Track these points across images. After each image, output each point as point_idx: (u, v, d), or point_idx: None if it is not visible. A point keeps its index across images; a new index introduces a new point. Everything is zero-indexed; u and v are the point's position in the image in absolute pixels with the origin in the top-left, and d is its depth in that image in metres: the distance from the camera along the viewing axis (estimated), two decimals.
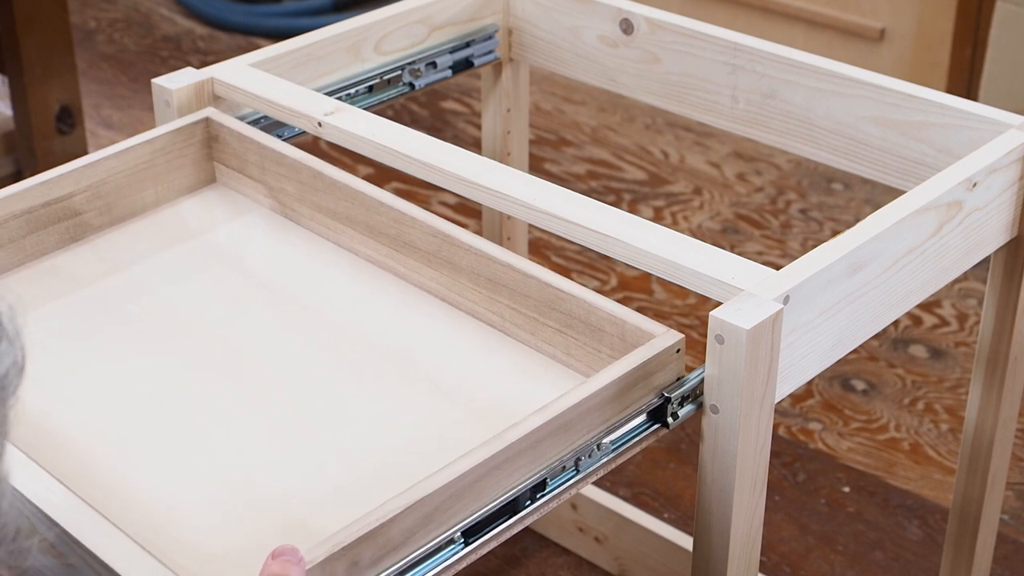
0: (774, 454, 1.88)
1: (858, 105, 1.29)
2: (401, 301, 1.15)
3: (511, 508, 0.92)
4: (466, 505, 0.89)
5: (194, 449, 1.00)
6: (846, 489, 1.90)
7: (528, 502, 0.93)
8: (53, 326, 1.12)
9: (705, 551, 1.03)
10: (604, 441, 0.97)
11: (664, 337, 1.00)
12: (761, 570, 1.38)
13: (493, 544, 0.91)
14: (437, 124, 2.79)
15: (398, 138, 1.19)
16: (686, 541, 1.66)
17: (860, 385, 2.09)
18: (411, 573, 0.87)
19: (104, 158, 1.21)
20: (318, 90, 1.35)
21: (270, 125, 1.30)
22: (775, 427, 1.98)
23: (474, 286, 1.11)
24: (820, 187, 2.57)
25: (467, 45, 1.48)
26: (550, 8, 1.48)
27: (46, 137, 2.28)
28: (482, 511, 0.90)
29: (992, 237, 1.21)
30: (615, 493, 1.84)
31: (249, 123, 1.28)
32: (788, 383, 1.03)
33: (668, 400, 0.99)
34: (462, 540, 0.89)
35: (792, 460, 1.95)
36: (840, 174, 2.58)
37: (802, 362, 1.04)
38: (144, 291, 1.17)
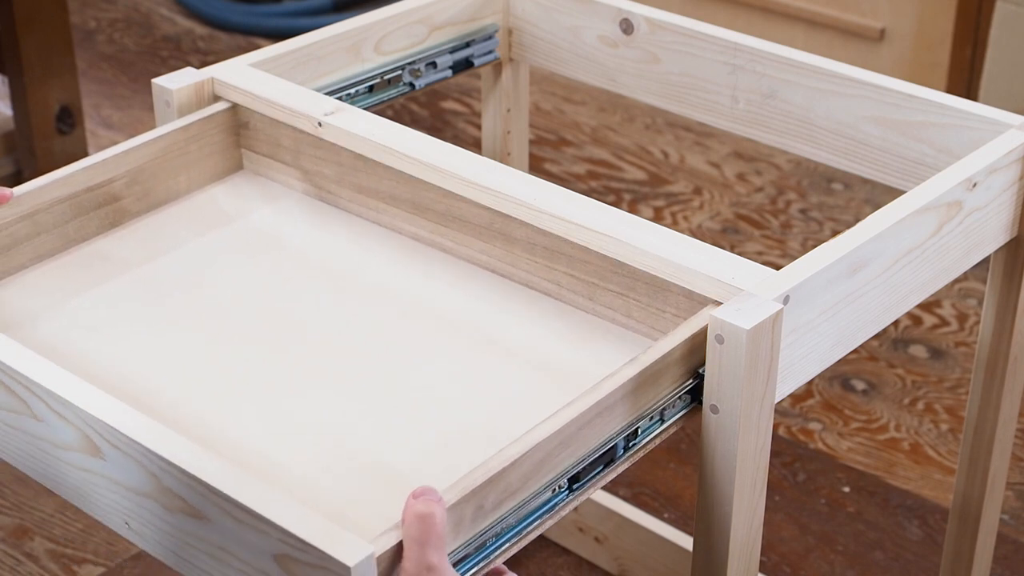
0: (774, 454, 1.89)
1: (858, 105, 1.29)
2: (453, 274, 1.18)
3: (608, 456, 0.96)
4: (572, 452, 0.93)
5: (283, 414, 1.03)
6: (846, 489, 1.90)
7: (622, 451, 0.97)
8: (109, 307, 1.14)
9: (705, 551, 1.03)
10: (683, 392, 1.00)
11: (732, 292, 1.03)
12: (761, 570, 1.38)
13: (592, 491, 0.96)
14: (437, 124, 2.79)
15: (398, 138, 1.19)
16: (686, 541, 1.66)
17: (860, 385, 2.09)
18: (527, 519, 0.92)
19: (142, 144, 1.23)
20: (318, 90, 1.35)
21: None
22: (775, 427, 1.98)
23: (529, 256, 1.14)
24: (820, 187, 2.57)
25: (467, 45, 1.48)
26: (550, 8, 1.48)
27: (46, 137, 2.28)
28: (585, 459, 0.95)
29: (992, 237, 1.21)
30: (615, 493, 1.84)
31: None
32: (788, 383, 1.03)
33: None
34: (567, 487, 0.94)
35: (792, 460, 1.95)
36: (840, 174, 2.58)
37: (802, 362, 1.04)
38: (193, 272, 1.19)
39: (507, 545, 0.90)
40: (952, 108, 1.24)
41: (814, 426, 2.01)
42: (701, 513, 1.03)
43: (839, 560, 1.79)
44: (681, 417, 1.01)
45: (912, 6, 2.58)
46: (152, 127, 1.26)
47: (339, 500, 0.94)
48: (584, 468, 0.95)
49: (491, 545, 0.89)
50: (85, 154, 2.36)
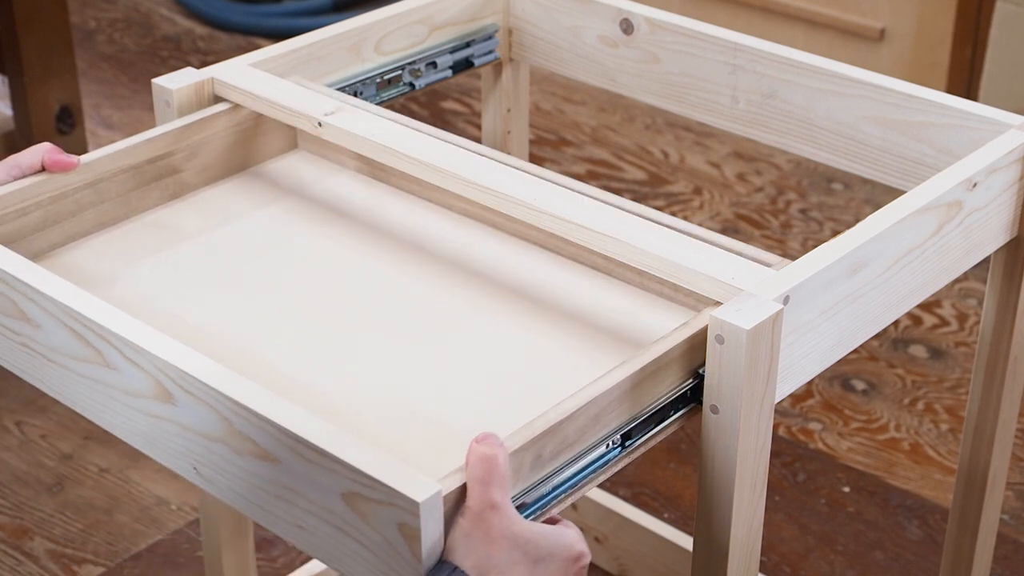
0: (774, 454, 1.89)
1: (858, 105, 1.29)
2: (504, 248, 1.21)
3: (659, 416, 0.99)
4: (626, 410, 0.96)
5: (345, 371, 1.05)
6: (846, 489, 1.90)
7: (672, 412, 1.00)
8: (171, 273, 1.17)
9: (705, 551, 1.03)
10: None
11: (779, 267, 1.05)
12: (761, 570, 1.38)
13: (643, 449, 0.99)
14: (437, 124, 2.79)
15: (398, 138, 1.19)
16: (686, 541, 1.66)
17: (860, 385, 2.09)
18: (582, 471, 0.94)
19: (203, 119, 1.26)
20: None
21: None
22: (775, 427, 1.98)
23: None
24: (820, 187, 2.57)
25: (467, 45, 1.48)
26: (550, 8, 1.48)
27: (46, 137, 2.28)
28: (638, 416, 0.97)
29: (992, 237, 1.21)
30: (615, 493, 1.84)
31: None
32: (788, 383, 1.03)
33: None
34: (620, 443, 0.96)
35: (792, 460, 1.95)
36: (840, 174, 2.58)
37: (802, 362, 1.04)
38: (252, 241, 1.22)
39: (563, 496, 0.93)
40: (952, 108, 1.24)
41: (814, 426, 2.01)
42: (701, 513, 1.03)
43: (839, 560, 1.79)
44: (681, 417, 1.01)
45: (912, 6, 2.58)
46: (152, 127, 1.27)
47: (398, 450, 0.97)
48: (636, 426, 0.97)
49: (548, 495, 0.92)
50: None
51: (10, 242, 1.14)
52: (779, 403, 1.05)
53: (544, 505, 0.92)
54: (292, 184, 1.30)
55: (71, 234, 1.20)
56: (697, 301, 1.11)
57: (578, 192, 1.15)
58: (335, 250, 1.20)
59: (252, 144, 1.31)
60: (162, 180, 1.25)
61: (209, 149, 1.27)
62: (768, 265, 1.06)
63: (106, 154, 1.20)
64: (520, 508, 0.90)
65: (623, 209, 1.13)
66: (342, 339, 1.09)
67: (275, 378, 1.04)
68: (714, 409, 0.98)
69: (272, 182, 1.30)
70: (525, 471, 0.90)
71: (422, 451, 0.97)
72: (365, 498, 0.84)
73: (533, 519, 0.91)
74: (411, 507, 0.82)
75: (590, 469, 0.95)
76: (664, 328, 1.09)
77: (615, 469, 0.97)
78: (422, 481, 0.83)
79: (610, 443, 0.96)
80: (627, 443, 0.97)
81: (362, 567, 0.87)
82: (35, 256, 1.17)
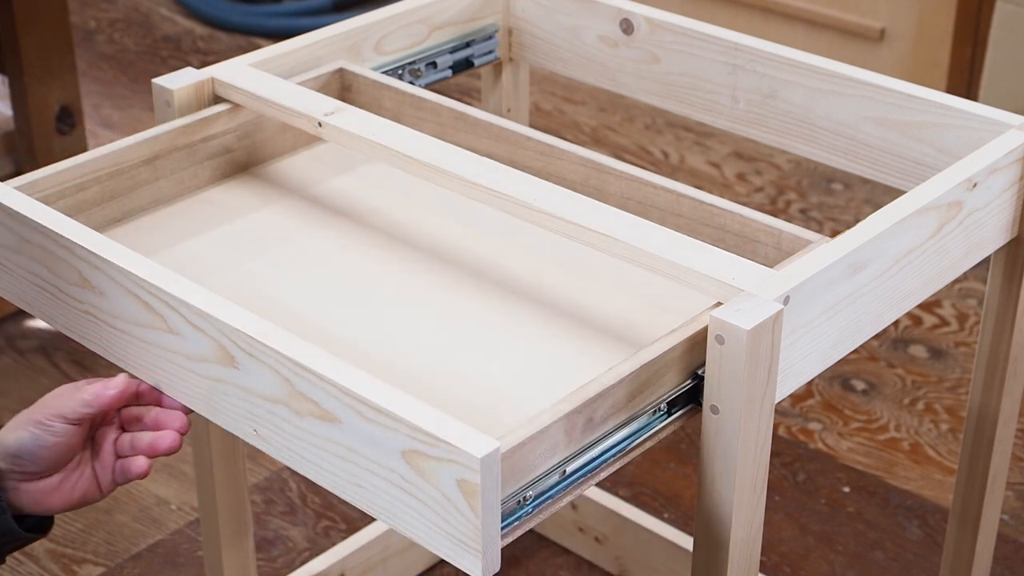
0: (774, 454, 1.89)
1: (858, 105, 1.29)
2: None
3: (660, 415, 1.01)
4: (672, 377, 0.99)
5: (394, 343, 1.09)
6: (846, 489, 1.90)
7: (672, 411, 1.01)
8: (224, 247, 1.20)
9: (705, 551, 1.03)
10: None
11: (820, 243, 1.09)
12: (761, 570, 1.38)
13: (687, 418, 1.01)
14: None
15: (398, 138, 1.19)
16: (686, 541, 1.66)
17: (860, 385, 2.09)
18: (631, 436, 0.97)
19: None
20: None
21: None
22: (775, 427, 1.98)
23: (621, 210, 1.17)
24: (820, 187, 2.57)
25: (467, 45, 1.48)
26: (550, 8, 1.48)
27: (46, 137, 2.28)
28: (683, 384, 1.00)
29: (992, 237, 1.21)
30: (615, 493, 1.84)
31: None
32: (788, 383, 1.03)
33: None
34: (666, 411, 0.99)
35: (792, 460, 1.95)
36: (840, 174, 2.58)
37: (802, 362, 1.04)
38: (302, 218, 1.24)
39: (612, 459, 0.96)
40: (952, 108, 1.24)
41: (814, 426, 2.01)
42: (701, 513, 1.03)
43: (839, 560, 1.79)
44: (680, 417, 1.01)
45: (912, 6, 2.58)
46: (151, 127, 1.27)
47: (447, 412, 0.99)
48: (682, 394, 0.99)
49: (598, 458, 0.95)
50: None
51: (69, 216, 1.15)
52: (779, 403, 1.05)
53: (594, 468, 0.95)
54: (339, 165, 1.33)
55: (129, 210, 1.23)
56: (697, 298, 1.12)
57: (601, 165, 1.18)
58: (384, 226, 1.23)
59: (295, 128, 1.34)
60: (214, 159, 1.28)
61: (257, 130, 1.30)
62: (809, 242, 1.08)
63: (163, 132, 1.23)
64: (571, 472, 0.94)
65: (652, 184, 1.16)
66: (392, 311, 1.12)
67: (330, 343, 1.07)
68: (714, 409, 0.99)
69: (320, 164, 1.33)
70: (577, 433, 0.92)
71: (470, 414, 1.00)
72: (425, 455, 0.86)
73: (582, 482, 0.95)
74: (471, 463, 0.84)
75: (638, 434, 0.97)
76: (709, 300, 1.10)
77: (662, 435, 0.99)
78: (482, 438, 0.85)
79: (657, 409, 0.98)
80: (673, 411, 0.99)
81: (420, 523, 0.89)
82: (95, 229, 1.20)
